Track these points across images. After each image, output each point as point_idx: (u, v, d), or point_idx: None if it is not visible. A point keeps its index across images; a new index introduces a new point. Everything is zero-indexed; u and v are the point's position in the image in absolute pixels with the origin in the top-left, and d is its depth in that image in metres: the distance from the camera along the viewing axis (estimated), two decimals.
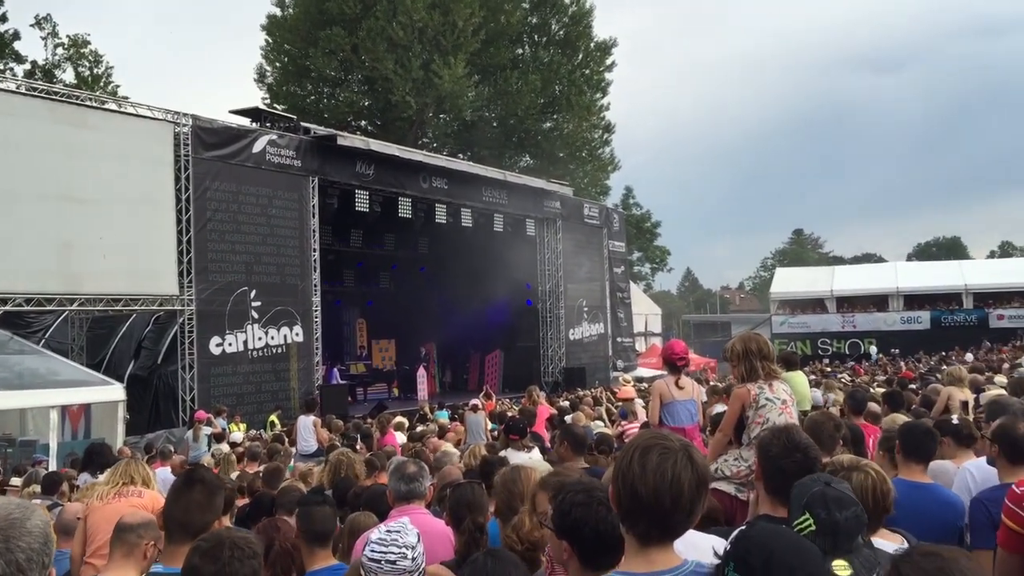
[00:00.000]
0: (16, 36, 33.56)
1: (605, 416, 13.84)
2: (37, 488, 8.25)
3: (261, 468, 8.70)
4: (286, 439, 13.17)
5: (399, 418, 14.72)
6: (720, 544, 2.21)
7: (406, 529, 2.81)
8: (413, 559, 2.74)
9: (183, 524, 3.13)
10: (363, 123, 41.27)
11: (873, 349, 42.74)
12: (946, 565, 2.01)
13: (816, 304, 49.50)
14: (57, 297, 16.30)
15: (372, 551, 2.74)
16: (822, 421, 4.93)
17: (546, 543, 3.06)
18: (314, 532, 3.61)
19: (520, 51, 42.18)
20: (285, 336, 19.92)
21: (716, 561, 2.10)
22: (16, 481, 9.31)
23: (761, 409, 4.99)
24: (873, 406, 8.85)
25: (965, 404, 8.57)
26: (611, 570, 2.22)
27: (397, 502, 4.35)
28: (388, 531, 2.81)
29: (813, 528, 2.39)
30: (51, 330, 20.63)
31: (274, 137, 19.99)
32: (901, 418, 6.44)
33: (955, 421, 4.99)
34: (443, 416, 17.42)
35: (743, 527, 2.17)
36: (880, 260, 76.93)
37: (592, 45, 42.90)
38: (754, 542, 2.02)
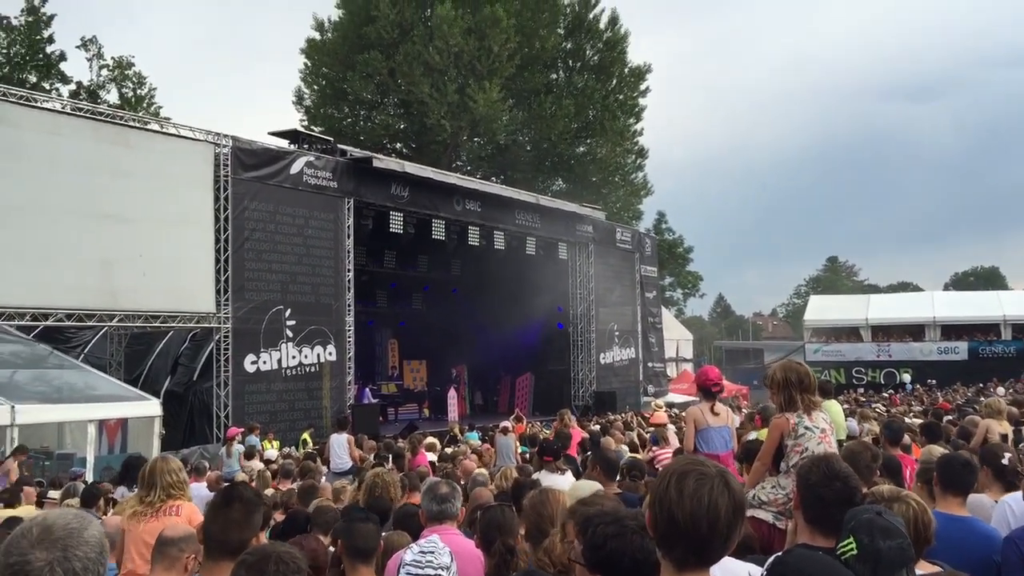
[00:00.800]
0: (62, 57, 34.32)
1: (636, 441, 13.80)
2: (75, 501, 8.37)
3: (295, 485, 8.77)
4: (318, 457, 13.23)
5: (430, 439, 14.76)
6: (756, 572, 2.22)
7: (439, 549, 2.83)
8: (450, 556, 2.76)
9: (221, 542, 3.16)
10: (398, 146, 41.65)
11: (907, 377, 42.17)
12: None
13: (851, 333, 48.98)
14: (97, 313, 16.57)
15: (408, 572, 2.76)
16: (859, 451, 4.90)
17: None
18: (357, 548, 3.63)
19: (554, 76, 42.40)
20: (318, 355, 20.07)
21: None
22: (54, 494, 9.44)
23: (800, 438, 4.98)
24: (906, 437, 8.76)
25: (1004, 437, 8.43)
26: None
27: (429, 522, 4.38)
28: (422, 552, 2.83)
29: (855, 553, 2.38)
30: (90, 345, 20.94)
31: (311, 159, 20.25)
32: (938, 450, 6.35)
33: (1005, 461, 4.90)
34: (473, 438, 17.43)
35: (779, 554, 2.17)
36: (916, 289, 75.95)
37: (626, 71, 43.02)
38: (790, 567, 2.02)
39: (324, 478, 11.03)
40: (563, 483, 5.94)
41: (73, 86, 35.06)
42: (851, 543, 2.41)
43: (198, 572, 3.25)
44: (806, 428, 4.99)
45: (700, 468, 2.18)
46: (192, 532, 3.70)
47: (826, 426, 5.09)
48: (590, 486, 4.59)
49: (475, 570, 4.12)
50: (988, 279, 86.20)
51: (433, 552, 2.80)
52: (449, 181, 24.19)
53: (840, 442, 8.55)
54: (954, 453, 5.16)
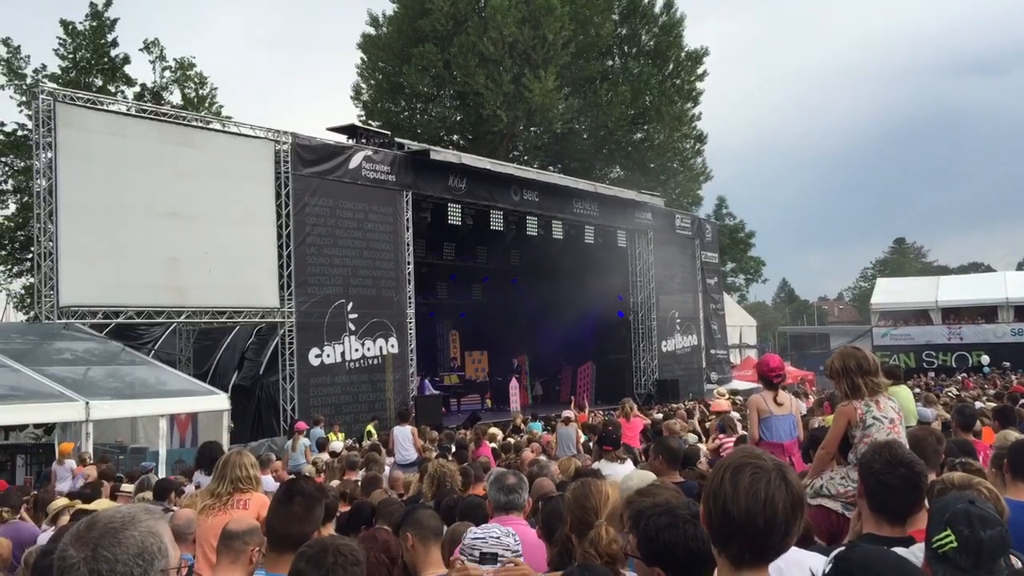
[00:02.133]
0: (126, 60, 35.05)
1: (699, 428, 13.67)
2: (149, 494, 8.59)
3: (359, 476, 8.88)
4: (383, 449, 13.37)
5: (493, 429, 14.83)
6: (818, 564, 2.15)
7: (503, 531, 2.84)
8: (515, 539, 2.77)
9: (283, 535, 3.21)
10: (455, 137, 41.76)
11: (985, 359, 40.98)
12: None
13: (920, 315, 47.79)
14: (165, 310, 17.01)
15: (474, 533, 2.78)
16: (923, 436, 4.77)
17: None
18: (427, 529, 3.65)
19: (610, 63, 42.05)
20: (381, 347, 20.29)
21: None
22: (127, 487, 9.69)
23: (869, 428, 4.83)
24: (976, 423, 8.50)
25: None
26: None
27: (497, 512, 4.36)
28: (485, 528, 2.86)
29: (955, 545, 2.30)
30: (160, 342, 21.46)
31: (369, 153, 20.45)
32: (1013, 434, 6.14)
33: None
34: (536, 427, 17.47)
35: (843, 547, 2.10)
36: (988, 269, 73.83)
37: (683, 55, 42.44)
38: (857, 564, 1.95)
39: (388, 469, 11.14)
40: (622, 472, 5.89)
41: (137, 88, 35.81)
42: (949, 535, 2.32)
43: (262, 564, 3.30)
44: (875, 419, 4.84)
45: (756, 461, 2.10)
46: (256, 525, 3.76)
47: (895, 415, 4.93)
48: (641, 476, 4.55)
49: (539, 560, 4.12)
50: None
51: (495, 531, 2.81)
52: (506, 171, 24.21)
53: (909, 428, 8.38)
54: None
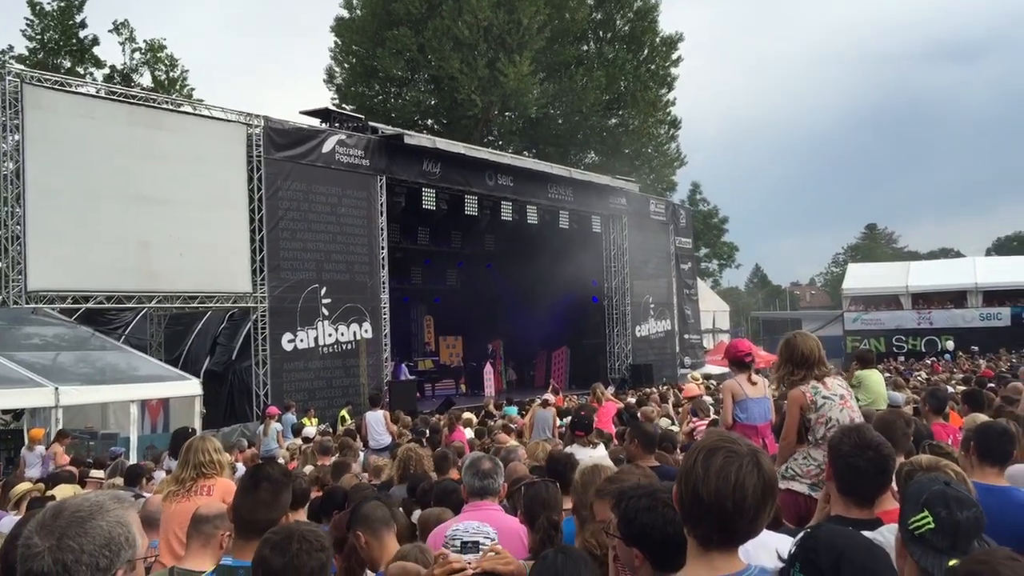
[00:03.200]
0: (95, 42, 34.57)
1: (672, 413, 13.75)
2: (120, 480, 8.52)
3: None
4: (355, 435, 13.33)
5: (467, 414, 14.83)
6: (785, 545, 2.17)
7: (484, 526, 2.85)
8: (491, 531, 2.78)
9: (250, 522, 3.17)
10: (429, 122, 41.57)
11: (950, 344, 41.54)
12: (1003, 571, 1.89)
13: (891, 300, 48.26)
14: (136, 295, 16.84)
15: (454, 528, 2.78)
16: (893, 419, 4.83)
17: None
18: (375, 521, 3.61)
19: (585, 48, 41.97)
20: (354, 332, 20.22)
21: (780, 565, 2.05)
22: (97, 473, 9.61)
23: (821, 408, 4.98)
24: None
25: None
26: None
27: (471, 498, 4.34)
28: (468, 522, 2.87)
29: (932, 526, 2.32)
30: (131, 327, 21.25)
31: (343, 137, 20.31)
32: (982, 418, 6.23)
33: None
34: (512, 412, 17.48)
35: (809, 528, 2.12)
36: (958, 255, 74.65)
37: (657, 40, 42.46)
38: (823, 543, 1.97)
39: (362, 455, 11.12)
40: (595, 457, 5.92)
41: (107, 70, 35.35)
42: (927, 516, 2.34)
43: (230, 551, 3.27)
44: (825, 398, 4.99)
45: (730, 445, 2.12)
46: (226, 510, 3.73)
47: (844, 392, 5.09)
48: (609, 464, 4.57)
49: (516, 547, 4.09)
50: None
51: (473, 524, 2.81)
52: (481, 156, 24.15)
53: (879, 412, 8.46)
54: (992, 421, 5.05)
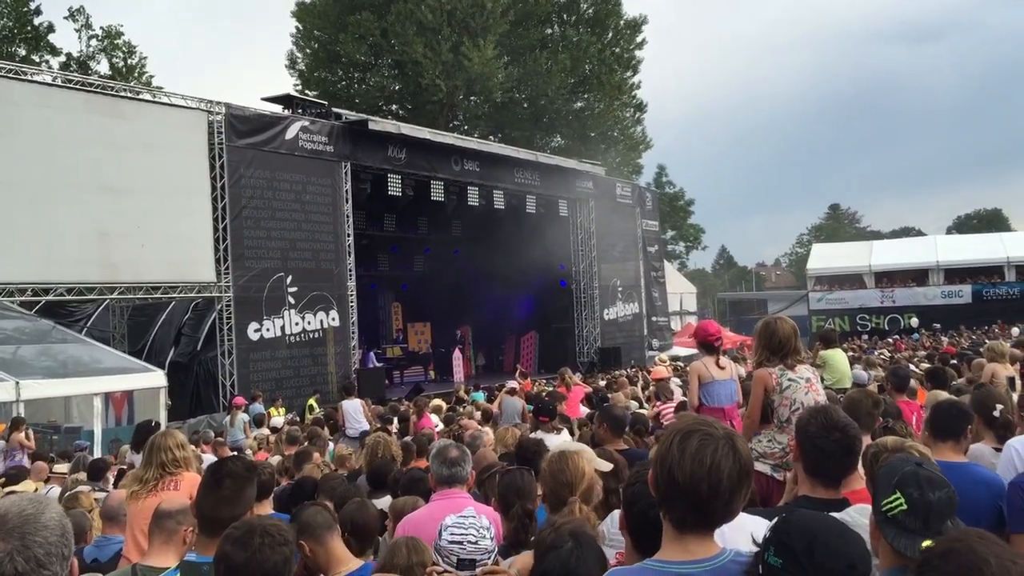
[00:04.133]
0: (50, 29, 33.95)
1: (640, 395, 13.81)
2: (83, 475, 8.40)
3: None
4: (325, 423, 13.25)
5: (436, 401, 14.78)
6: (760, 528, 2.17)
7: (478, 516, 2.81)
8: (491, 539, 2.74)
9: (213, 519, 3.13)
10: (394, 107, 41.33)
11: (915, 322, 42.14)
12: (967, 561, 1.85)
13: (854, 280, 48.87)
14: (97, 286, 16.56)
15: (452, 534, 2.72)
16: (860, 399, 4.87)
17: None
18: (315, 527, 3.48)
19: (549, 31, 41.91)
20: (321, 321, 20.07)
21: (755, 549, 2.05)
22: (61, 467, 9.47)
23: (786, 391, 5.02)
24: (912, 383, 8.72)
25: (1012, 380, 8.38)
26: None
27: (439, 486, 4.30)
28: (462, 517, 2.81)
29: (904, 507, 2.33)
30: (92, 319, 20.97)
31: (306, 123, 20.08)
32: (943, 395, 6.31)
33: (996, 413, 4.85)
34: (479, 398, 17.47)
35: (784, 512, 2.12)
36: (919, 234, 75.76)
37: (622, 23, 42.51)
38: (796, 526, 1.97)
39: (336, 443, 11.06)
40: (558, 443, 5.91)
41: (63, 58, 34.76)
42: (899, 498, 2.34)
43: (193, 548, 3.22)
44: (790, 380, 5.03)
45: (706, 428, 2.12)
46: (188, 504, 3.66)
47: (810, 375, 5.15)
48: (577, 446, 4.57)
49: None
50: (991, 221, 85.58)
51: (472, 516, 2.77)
52: (446, 141, 24.02)
53: (844, 391, 8.56)
54: (946, 399, 5.12)
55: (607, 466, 3.86)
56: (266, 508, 5.15)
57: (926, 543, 2.24)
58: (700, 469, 2.03)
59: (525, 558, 2.99)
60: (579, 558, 2.53)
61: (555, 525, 2.87)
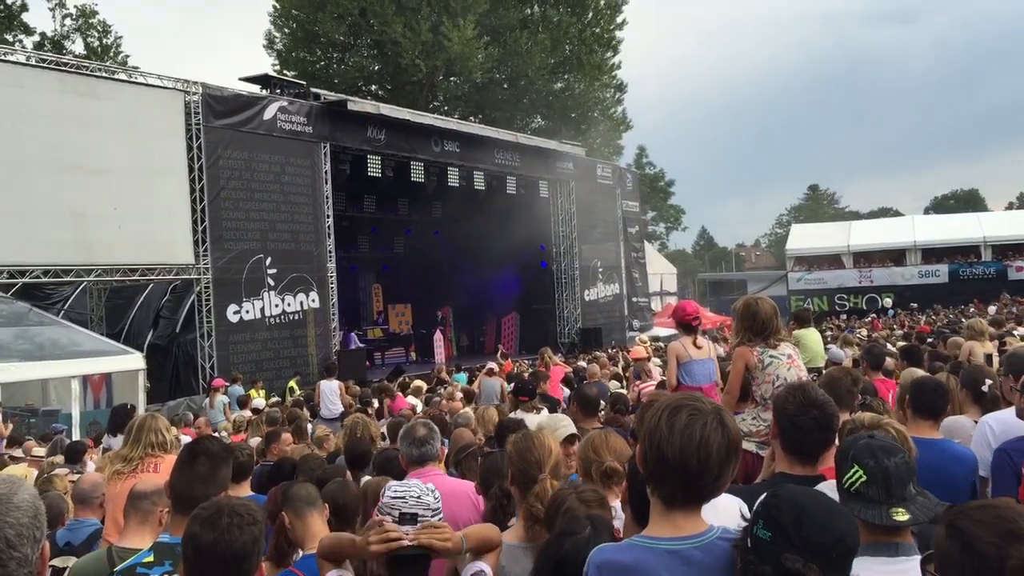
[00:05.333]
0: (24, 7, 33.43)
1: (621, 374, 13.88)
2: (60, 458, 8.34)
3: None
4: (304, 405, 13.24)
5: (417, 382, 14.79)
6: (732, 507, 2.19)
7: (421, 487, 2.78)
8: (436, 498, 2.72)
9: (187, 498, 3.09)
10: (373, 88, 41.03)
11: (888, 302, 42.50)
12: (1003, 513, 1.90)
13: (833, 260, 49.17)
14: (74, 268, 16.41)
15: (395, 492, 2.70)
16: (839, 376, 4.89)
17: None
18: (298, 501, 3.57)
19: (529, 11, 41.65)
20: (301, 303, 19.99)
21: (743, 524, 2.06)
22: (39, 451, 9.41)
23: (768, 368, 5.05)
24: (889, 361, 8.79)
25: (989, 357, 8.47)
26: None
27: (411, 466, 4.28)
28: (405, 483, 2.79)
29: (864, 479, 2.35)
30: (70, 301, 20.78)
31: (284, 104, 19.91)
32: (919, 373, 6.37)
33: (984, 388, 4.88)
34: (461, 379, 17.50)
35: (773, 489, 2.13)
36: (897, 214, 76.20)
37: (602, 3, 42.30)
38: (784, 500, 1.99)
39: (312, 425, 11.04)
40: (537, 422, 5.94)
41: (37, 37, 34.26)
42: (857, 470, 2.37)
43: (167, 528, 3.20)
44: (772, 357, 5.06)
45: (694, 404, 2.13)
46: (164, 485, 3.65)
47: (791, 351, 5.18)
48: (555, 421, 4.57)
49: (467, 509, 4.10)
50: (968, 201, 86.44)
51: (414, 490, 2.73)
52: (426, 122, 23.89)
53: (819, 369, 8.63)
54: (926, 376, 5.16)
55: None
56: (244, 490, 5.14)
57: (895, 510, 2.27)
58: (689, 444, 2.04)
59: (484, 530, 3.00)
60: (597, 544, 2.53)
61: (563, 505, 2.89)
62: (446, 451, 5.30)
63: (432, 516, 2.65)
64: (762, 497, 2.06)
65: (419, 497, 2.65)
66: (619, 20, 42.99)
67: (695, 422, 2.06)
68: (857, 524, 2.08)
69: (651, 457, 2.11)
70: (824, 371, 7.04)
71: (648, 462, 2.12)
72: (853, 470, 2.39)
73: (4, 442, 11.29)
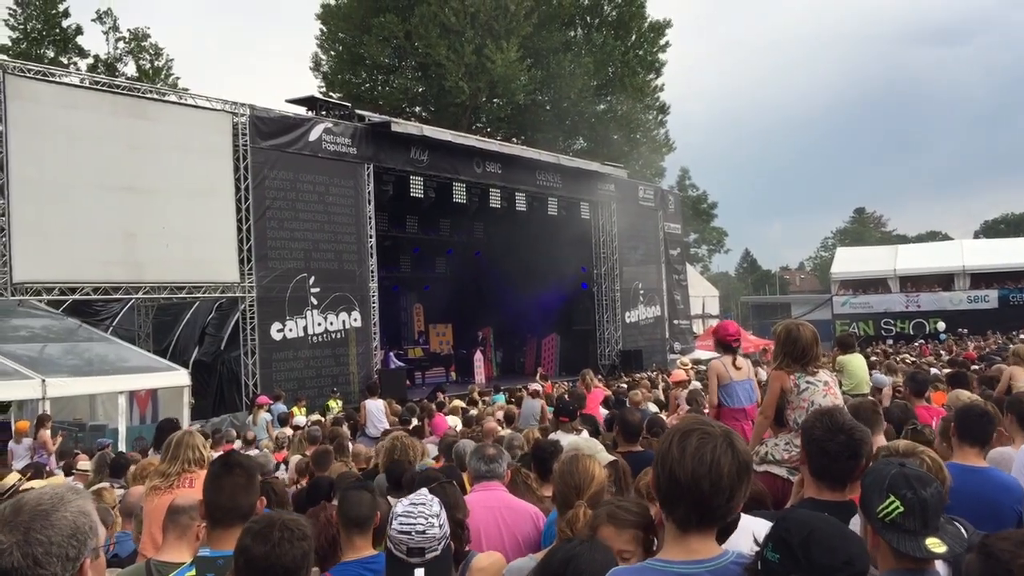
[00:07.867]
0: (79, 31, 34.34)
1: (661, 398, 13.78)
2: (105, 472, 8.48)
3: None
4: (345, 423, 13.33)
5: (456, 402, 14.83)
6: (761, 529, 2.19)
7: (429, 500, 2.81)
8: (440, 526, 2.75)
9: (230, 508, 3.13)
10: (417, 109, 41.45)
11: (941, 326, 41.66)
12: None
13: (879, 284, 48.43)
14: (123, 286, 16.77)
15: (401, 523, 2.74)
16: (859, 405, 4.87)
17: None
18: (349, 518, 3.63)
19: (572, 34, 41.86)
20: (344, 321, 20.18)
21: (757, 548, 2.07)
22: (85, 465, 9.57)
23: (804, 393, 4.99)
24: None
25: None
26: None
27: (477, 481, 4.60)
28: (412, 504, 2.82)
29: (902, 509, 2.33)
30: (118, 318, 21.17)
31: (329, 125, 20.21)
32: (965, 395, 6.24)
33: None
34: (500, 399, 17.48)
35: (784, 513, 2.14)
36: (946, 238, 74.86)
37: (645, 26, 42.38)
38: (793, 521, 2.00)
39: (354, 443, 11.12)
40: (571, 442, 5.95)
41: (91, 60, 35.15)
42: (894, 501, 2.35)
43: (206, 543, 3.24)
44: (808, 383, 5.00)
45: (704, 427, 2.16)
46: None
47: (828, 378, 5.12)
48: (588, 444, 4.65)
49: (526, 526, 4.32)
50: (1019, 226, 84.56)
51: (423, 503, 2.78)
52: (468, 143, 24.06)
53: (864, 396, 8.51)
54: (971, 403, 5.07)
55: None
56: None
57: (930, 540, 2.25)
58: (701, 467, 2.07)
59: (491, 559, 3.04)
60: (587, 550, 2.57)
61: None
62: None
63: (439, 545, 2.70)
64: (774, 521, 2.07)
65: (424, 532, 2.70)
66: (662, 42, 43.02)
67: (706, 444, 2.10)
68: (866, 547, 2.08)
69: (664, 481, 2.14)
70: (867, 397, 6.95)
71: (661, 486, 2.16)
72: (889, 500, 2.37)
73: (54, 457, 11.53)
